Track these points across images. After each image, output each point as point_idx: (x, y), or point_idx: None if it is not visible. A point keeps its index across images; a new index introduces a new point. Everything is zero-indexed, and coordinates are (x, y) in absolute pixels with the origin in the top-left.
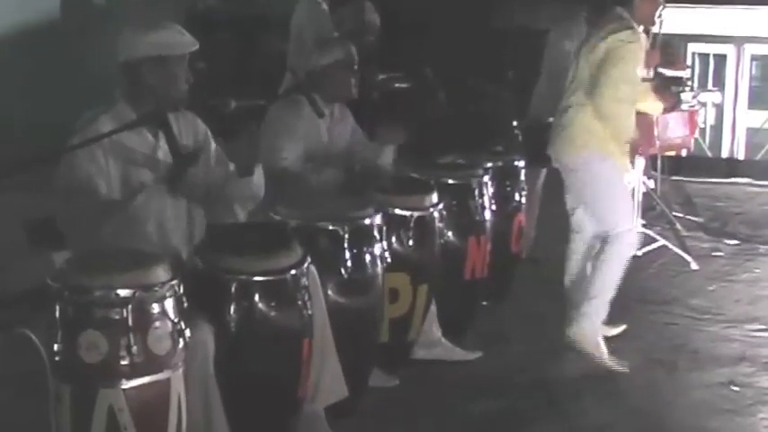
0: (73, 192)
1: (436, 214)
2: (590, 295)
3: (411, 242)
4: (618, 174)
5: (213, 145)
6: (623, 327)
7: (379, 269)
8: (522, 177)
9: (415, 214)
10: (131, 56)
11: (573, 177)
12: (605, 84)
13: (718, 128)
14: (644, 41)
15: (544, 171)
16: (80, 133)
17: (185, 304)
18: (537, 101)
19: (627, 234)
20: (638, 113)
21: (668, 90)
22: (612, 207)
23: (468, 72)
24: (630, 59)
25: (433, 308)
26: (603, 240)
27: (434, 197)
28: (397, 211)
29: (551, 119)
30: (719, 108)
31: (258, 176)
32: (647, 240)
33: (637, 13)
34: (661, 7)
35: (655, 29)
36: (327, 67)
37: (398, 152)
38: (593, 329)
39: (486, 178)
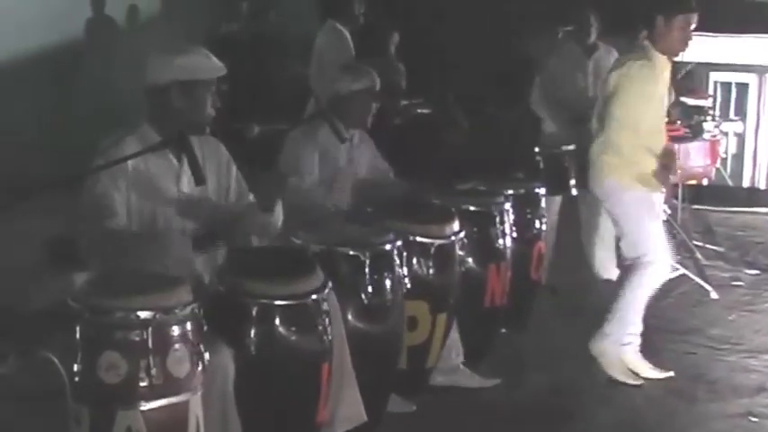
0: (95, 216)
1: (457, 243)
2: (611, 316)
3: (431, 270)
4: (643, 203)
5: (234, 173)
6: (669, 374)
7: (400, 295)
8: (543, 204)
9: (437, 242)
10: (159, 79)
11: (605, 207)
12: (610, 114)
13: (739, 157)
14: (666, 68)
15: (559, 198)
16: (104, 155)
17: (205, 327)
18: (548, 128)
19: (657, 263)
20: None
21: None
22: (640, 235)
23: (489, 99)
24: (635, 89)
25: (455, 334)
26: (633, 266)
27: (456, 225)
28: (418, 239)
29: (568, 146)
30: (741, 137)
31: (278, 212)
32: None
33: (660, 43)
34: (689, 39)
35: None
36: (353, 93)
37: (419, 178)
38: (614, 350)
39: (507, 205)
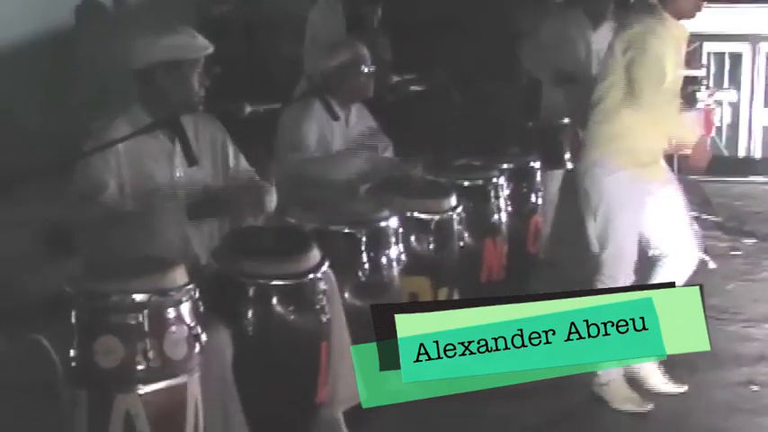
0: (86, 197)
1: (456, 217)
2: None
3: (432, 246)
4: (636, 187)
5: (231, 149)
6: (685, 387)
7: (396, 272)
8: (539, 178)
9: (436, 217)
10: (145, 61)
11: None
12: (630, 75)
13: (734, 127)
14: (681, 36)
15: (561, 173)
16: (94, 138)
17: (202, 308)
18: (548, 102)
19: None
20: None
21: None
22: (608, 229)
23: (482, 74)
24: (653, 45)
25: None
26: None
27: (453, 200)
28: (417, 215)
29: (565, 120)
30: (735, 107)
31: (272, 192)
32: None
33: (672, 4)
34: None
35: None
36: (337, 68)
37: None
38: (620, 380)
39: (501, 180)
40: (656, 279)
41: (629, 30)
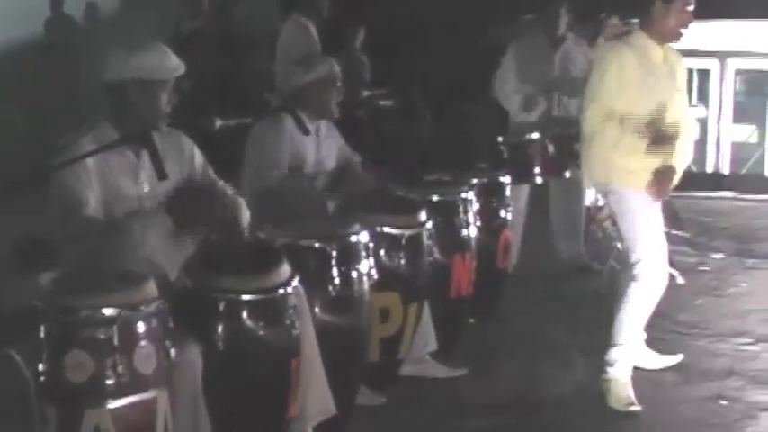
0: (65, 209)
1: (425, 233)
2: (615, 341)
3: (402, 261)
4: (634, 202)
5: (198, 163)
6: (680, 356)
7: (366, 286)
8: (508, 193)
9: (407, 233)
10: (116, 77)
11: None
12: (584, 103)
13: (702, 142)
14: (661, 59)
15: (527, 187)
16: (63, 153)
17: (172, 323)
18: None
19: (651, 271)
20: None
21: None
22: (634, 239)
23: (452, 90)
24: (608, 70)
25: (428, 324)
26: (628, 277)
27: (423, 215)
28: (388, 230)
29: (533, 135)
30: (704, 123)
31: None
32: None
33: (657, 27)
34: (689, 22)
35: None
36: (311, 84)
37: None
38: (621, 379)
39: (470, 195)
40: (635, 294)
41: (594, 53)
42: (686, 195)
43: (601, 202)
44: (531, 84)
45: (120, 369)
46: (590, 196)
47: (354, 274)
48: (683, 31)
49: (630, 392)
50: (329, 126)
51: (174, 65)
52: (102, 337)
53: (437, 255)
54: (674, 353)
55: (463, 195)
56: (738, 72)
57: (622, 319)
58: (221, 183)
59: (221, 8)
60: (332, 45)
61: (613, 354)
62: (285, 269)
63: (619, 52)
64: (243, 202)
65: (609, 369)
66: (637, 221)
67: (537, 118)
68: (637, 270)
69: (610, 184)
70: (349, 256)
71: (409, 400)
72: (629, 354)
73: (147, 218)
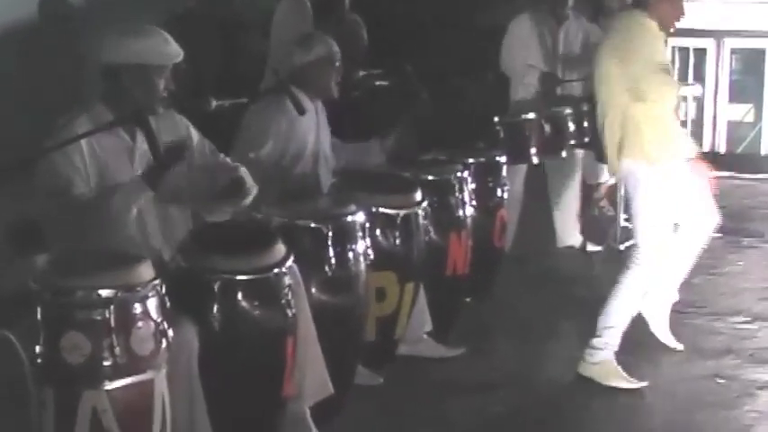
0: (52, 193)
1: (421, 212)
2: (607, 324)
3: (398, 240)
4: (651, 182)
5: (196, 142)
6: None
7: (363, 266)
8: (504, 173)
9: (402, 212)
10: (113, 60)
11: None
12: (627, 75)
13: (698, 122)
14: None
15: (524, 167)
16: (57, 135)
17: (168, 304)
18: (515, 96)
19: (651, 260)
20: None
21: None
22: (645, 221)
23: (448, 69)
24: (637, 44)
25: (423, 304)
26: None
27: (419, 194)
28: (383, 210)
29: (531, 115)
30: (700, 102)
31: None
32: (630, 234)
33: (652, 13)
34: (682, 14)
35: None
36: (310, 63)
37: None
38: (610, 359)
39: (465, 174)
40: (632, 278)
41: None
42: None
43: (602, 180)
44: (538, 60)
45: (117, 350)
46: (587, 176)
47: (350, 254)
48: (676, 18)
49: (621, 371)
50: (322, 108)
51: (173, 51)
52: (98, 318)
53: (433, 234)
54: (671, 332)
55: (459, 174)
56: (734, 51)
57: (615, 304)
58: (222, 155)
59: None
60: (321, 19)
61: (605, 336)
62: (280, 249)
63: (641, 25)
64: (245, 170)
65: (597, 353)
66: (651, 207)
67: (545, 96)
68: (637, 255)
69: (638, 162)
70: (345, 236)
71: (407, 379)
72: (618, 338)
73: (128, 189)
